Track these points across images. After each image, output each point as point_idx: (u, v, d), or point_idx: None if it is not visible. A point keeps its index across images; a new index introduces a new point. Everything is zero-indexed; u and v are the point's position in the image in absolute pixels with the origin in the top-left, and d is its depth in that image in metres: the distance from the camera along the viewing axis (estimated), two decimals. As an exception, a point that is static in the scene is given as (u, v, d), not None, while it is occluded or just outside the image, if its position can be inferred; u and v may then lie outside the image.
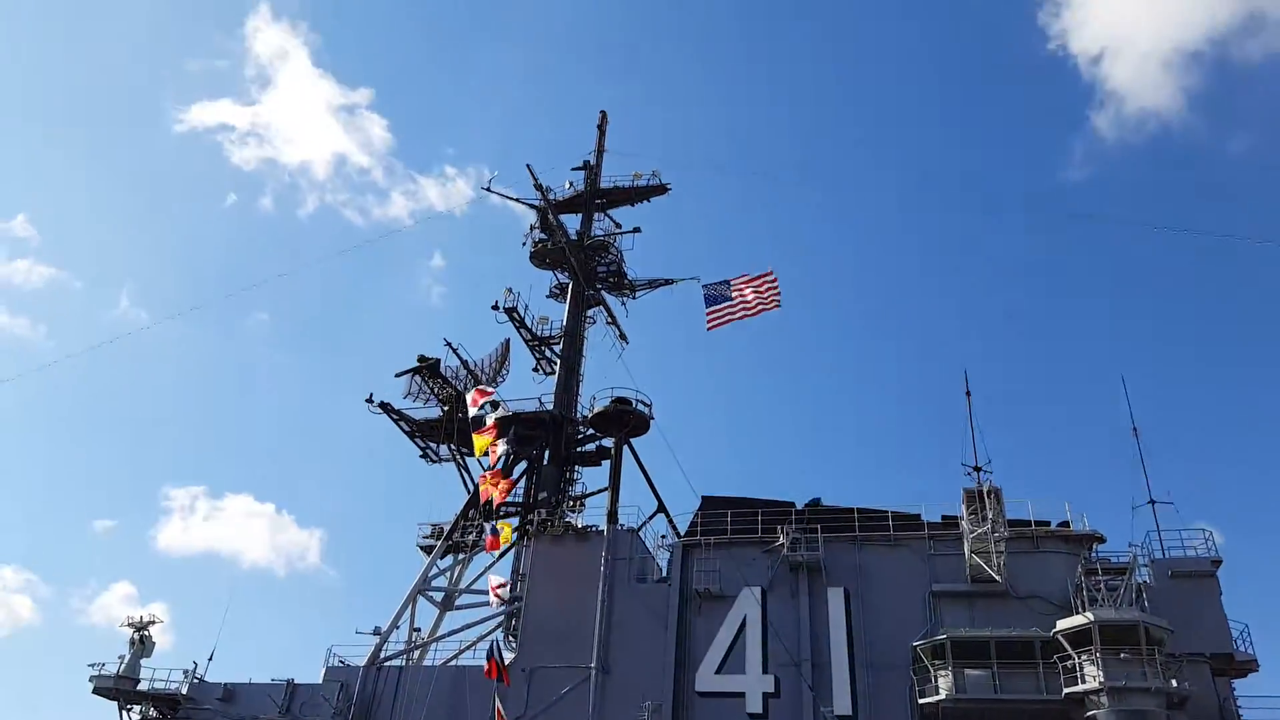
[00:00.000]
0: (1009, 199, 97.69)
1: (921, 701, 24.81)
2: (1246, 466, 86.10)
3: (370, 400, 36.03)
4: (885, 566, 27.79)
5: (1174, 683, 23.34)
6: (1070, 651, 23.97)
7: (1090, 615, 23.93)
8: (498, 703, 25.62)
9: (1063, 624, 24.40)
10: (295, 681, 29.50)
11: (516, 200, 41.84)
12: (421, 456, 37.12)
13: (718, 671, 27.17)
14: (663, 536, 31.60)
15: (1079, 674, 23.62)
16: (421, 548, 35.08)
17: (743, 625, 27.65)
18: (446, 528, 34.00)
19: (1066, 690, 23.55)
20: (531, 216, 40.99)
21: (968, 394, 28.97)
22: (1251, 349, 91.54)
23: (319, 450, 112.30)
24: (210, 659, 30.04)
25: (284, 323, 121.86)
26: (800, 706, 25.87)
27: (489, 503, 30.86)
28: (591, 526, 31.50)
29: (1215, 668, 25.07)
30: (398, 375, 36.78)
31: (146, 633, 29.80)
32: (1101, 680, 23.13)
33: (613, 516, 31.46)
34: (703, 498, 30.97)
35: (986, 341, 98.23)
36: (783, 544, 28.26)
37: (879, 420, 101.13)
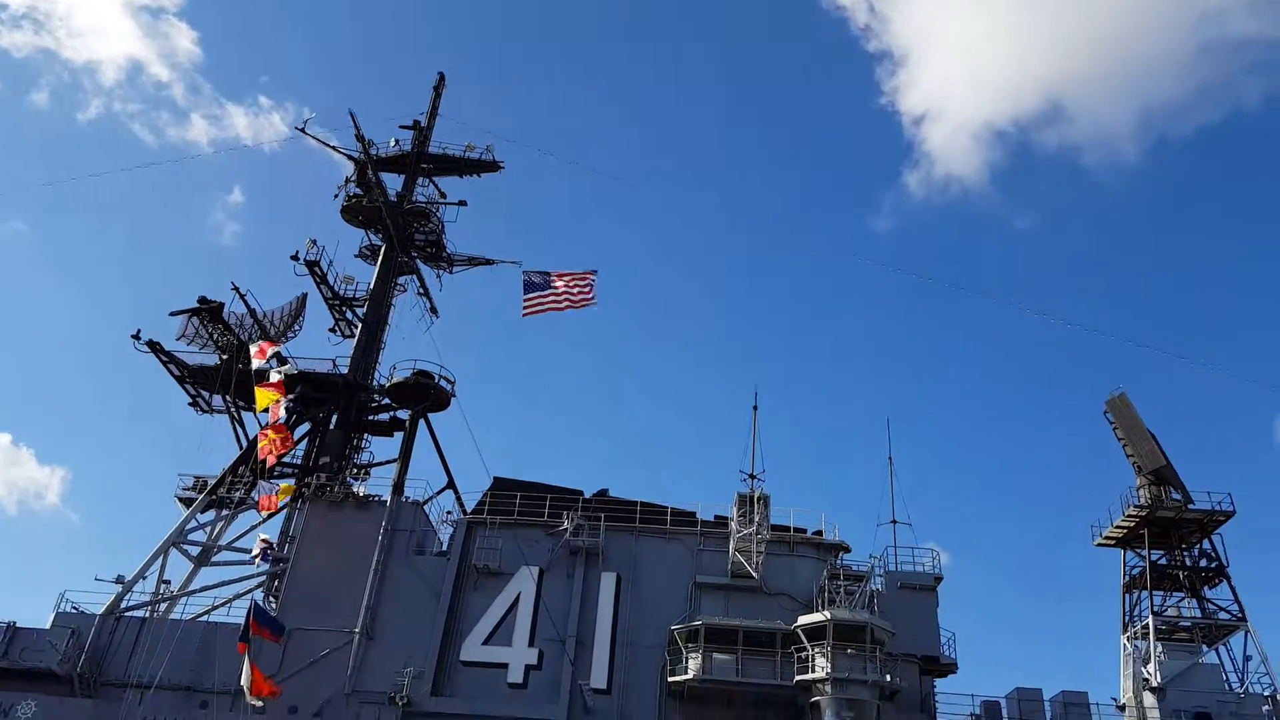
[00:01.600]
0: (819, 234, 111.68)
1: (670, 680, 30.14)
2: (979, 497, 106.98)
3: (137, 336, 36.74)
4: (657, 556, 33.17)
5: (888, 677, 30.00)
6: (806, 644, 30.19)
7: (827, 614, 30.26)
8: (249, 660, 27.90)
9: (803, 619, 30.63)
10: (17, 625, 30.18)
11: (334, 148, 44.01)
12: (190, 404, 38.29)
13: (484, 643, 31.24)
14: (448, 512, 35.32)
15: (811, 664, 29.83)
16: (181, 499, 36.31)
17: (516, 601, 31.94)
18: (211, 481, 35.64)
19: (798, 677, 29.60)
20: (348, 168, 43.08)
21: (754, 409, 35.33)
22: (1008, 400, 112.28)
23: (71, 383, 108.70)
24: (-91, 595, 29.94)
25: (45, 237, 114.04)
26: (559, 679, 30.43)
27: (264, 461, 33.20)
28: (374, 496, 34.57)
29: (924, 667, 32.38)
30: (173, 314, 37.72)
31: None
32: (828, 671, 29.42)
33: (399, 488, 34.71)
34: (494, 479, 35.05)
35: (780, 361, 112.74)
36: (566, 529, 32.87)
37: (674, 423, 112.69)
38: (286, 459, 35.50)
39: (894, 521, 34.54)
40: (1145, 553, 37.54)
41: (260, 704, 27.58)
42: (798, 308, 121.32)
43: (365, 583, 31.84)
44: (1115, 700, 36.38)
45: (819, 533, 34.16)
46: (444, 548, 33.50)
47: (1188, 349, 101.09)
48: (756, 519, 32.12)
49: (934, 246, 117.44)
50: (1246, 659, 36.36)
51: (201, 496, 35.03)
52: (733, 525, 32.57)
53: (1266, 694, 34.55)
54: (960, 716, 32.24)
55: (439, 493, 36.64)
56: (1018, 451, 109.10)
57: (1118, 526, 38.14)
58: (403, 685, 29.39)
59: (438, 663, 30.75)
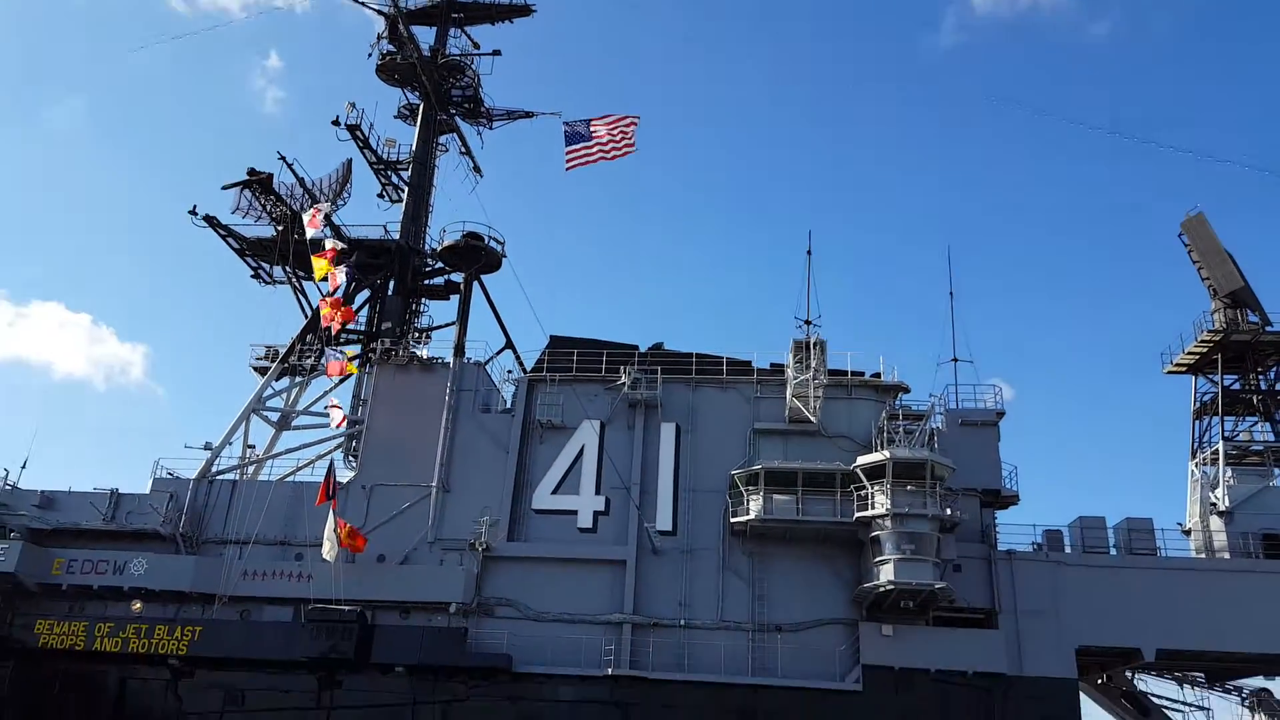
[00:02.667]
0: (875, 59, 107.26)
1: (733, 520, 32.96)
2: (1045, 327, 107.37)
3: (194, 212, 39.23)
4: (715, 406, 35.47)
5: (948, 511, 32.21)
6: (866, 483, 32.49)
7: (887, 453, 32.33)
8: (334, 517, 31.43)
9: (862, 459, 32.73)
10: (120, 491, 34.34)
11: (362, 3, 44.56)
12: (253, 276, 41.13)
13: (554, 492, 34.42)
14: (509, 371, 38.03)
15: (870, 501, 32.23)
16: (255, 368, 39.74)
17: (580, 453, 34.85)
18: (282, 350, 38.79)
19: (858, 514, 32.07)
20: (380, 24, 43.76)
21: (809, 253, 36.59)
22: (1076, 225, 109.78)
23: (141, 260, 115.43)
24: (23, 466, 34.26)
25: (99, 116, 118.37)
26: (626, 523, 33.57)
27: (329, 328, 36.00)
28: (437, 358, 37.30)
29: (984, 500, 34.60)
30: (225, 188, 39.90)
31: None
32: (888, 507, 31.74)
33: (460, 350, 37.37)
34: (551, 337, 37.38)
35: (833, 203, 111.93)
36: (624, 383, 35.18)
37: (727, 271, 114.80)
38: (352, 325, 38.28)
39: (955, 360, 36.10)
40: (1218, 377, 38.45)
41: (333, 558, 31.15)
42: (849, 138, 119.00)
43: (437, 440, 34.97)
44: (1180, 525, 38.32)
45: (877, 374, 35.86)
46: (508, 405, 36.29)
47: (1274, 162, 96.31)
48: (813, 364, 33.92)
49: (1000, 63, 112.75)
50: (1324, 482, 37.61)
51: (274, 366, 38.23)
52: (789, 372, 34.44)
53: (1340, 516, 35.79)
54: (1022, 546, 34.52)
55: (498, 353, 39.35)
56: (1087, 279, 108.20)
57: (1190, 352, 38.88)
58: (481, 532, 32.83)
59: (511, 511, 34.11)
